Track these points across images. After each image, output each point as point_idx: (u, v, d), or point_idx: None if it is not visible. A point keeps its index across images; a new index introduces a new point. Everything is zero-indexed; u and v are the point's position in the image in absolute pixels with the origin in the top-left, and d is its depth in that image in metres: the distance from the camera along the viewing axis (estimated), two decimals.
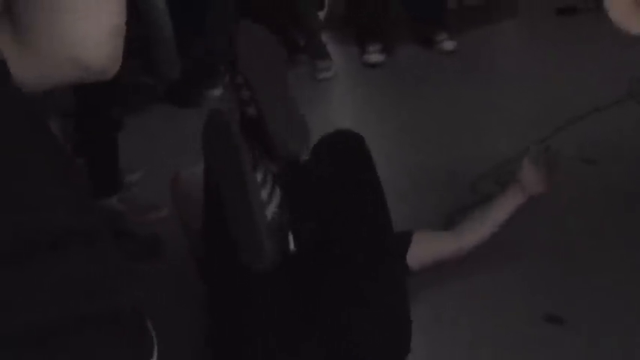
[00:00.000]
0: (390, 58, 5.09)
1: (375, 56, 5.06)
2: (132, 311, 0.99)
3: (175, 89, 4.74)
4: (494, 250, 2.99)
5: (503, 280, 3.01)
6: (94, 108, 3.40)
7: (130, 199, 3.60)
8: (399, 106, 4.53)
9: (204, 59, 4.86)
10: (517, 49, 5.37)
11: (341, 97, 4.87)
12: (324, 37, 5.13)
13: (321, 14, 5.44)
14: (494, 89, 4.61)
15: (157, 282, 2.95)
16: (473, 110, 4.34)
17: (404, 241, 2.80)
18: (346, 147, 2.64)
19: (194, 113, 4.50)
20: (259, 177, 2.30)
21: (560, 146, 3.66)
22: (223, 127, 2.31)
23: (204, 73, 4.85)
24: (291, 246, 2.37)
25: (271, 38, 2.60)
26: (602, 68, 4.48)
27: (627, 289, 2.87)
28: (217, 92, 4.81)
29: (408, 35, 5.24)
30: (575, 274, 2.99)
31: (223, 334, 2.49)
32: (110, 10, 0.94)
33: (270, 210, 2.29)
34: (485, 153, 3.79)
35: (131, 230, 3.38)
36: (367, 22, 5.15)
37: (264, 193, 2.29)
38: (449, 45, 5.12)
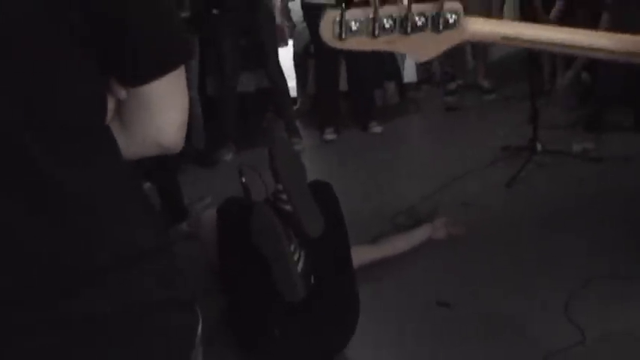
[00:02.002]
0: (339, 137, 5.06)
1: (330, 135, 5.04)
2: (189, 298, 0.98)
3: (200, 154, 4.68)
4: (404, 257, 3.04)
5: (409, 276, 3.00)
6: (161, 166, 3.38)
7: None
8: (344, 168, 4.53)
9: (221, 136, 4.84)
10: (420, 131, 5.38)
11: (307, 162, 4.83)
12: (297, 123, 5.10)
13: (295, 107, 5.45)
14: (407, 157, 4.62)
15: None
16: (392, 170, 4.33)
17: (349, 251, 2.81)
18: (323, 190, 2.65)
19: (211, 171, 4.54)
20: (292, 247, 2.32)
21: (446, 194, 3.76)
22: (268, 220, 2.29)
23: (220, 144, 4.82)
24: (312, 281, 2.37)
25: (295, 152, 2.53)
26: (475, 144, 4.49)
27: (503, 279, 2.88)
28: (228, 157, 4.79)
29: (351, 122, 5.22)
30: (460, 270, 3.00)
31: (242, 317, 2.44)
32: (181, 109, 0.95)
33: (300, 266, 2.32)
34: (399, 198, 3.78)
35: None
36: (325, 113, 5.15)
37: (295, 257, 2.31)
38: (377, 129, 5.10)
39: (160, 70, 0.90)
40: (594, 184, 3.70)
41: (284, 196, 2.41)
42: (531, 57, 4.31)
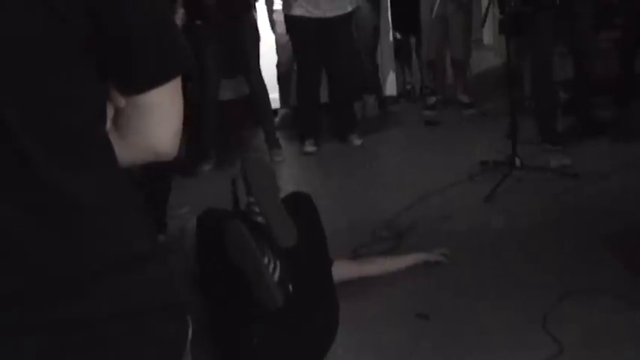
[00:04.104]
0: (319, 149, 5.08)
1: (310, 147, 5.05)
2: (181, 304, 0.99)
3: (182, 165, 4.59)
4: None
5: (388, 288, 3.02)
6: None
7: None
8: (324, 180, 4.55)
9: (201, 146, 4.83)
10: (400, 145, 5.37)
11: (287, 173, 4.84)
12: (278, 134, 5.10)
13: (276, 119, 5.44)
14: (386, 169, 4.64)
15: None
16: (371, 183, 4.34)
17: (330, 263, 2.82)
18: (303, 201, 2.69)
19: (190, 180, 4.54)
20: (266, 259, 2.35)
21: (425, 208, 3.79)
22: (241, 236, 2.33)
23: (200, 155, 4.82)
24: (290, 289, 2.40)
25: (267, 165, 2.59)
26: (454, 158, 4.52)
27: (481, 291, 2.91)
28: (208, 167, 4.77)
29: (331, 134, 5.25)
30: (439, 282, 3.03)
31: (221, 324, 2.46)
32: (175, 119, 0.97)
33: (276, 276, 2.34)
34: (379, 211, 3.81)
35: None
36: (305, 125, 5.16)
37: (270, 268, 2.34)
38: (357, 142, 5.11)
39: (160, 79, 0.92)
40: (571, 199, 3.76)
41: (256, 208, 2.46)
42: (511, 72, 4.37)
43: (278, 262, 2.37)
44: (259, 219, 2.45)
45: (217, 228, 2.43)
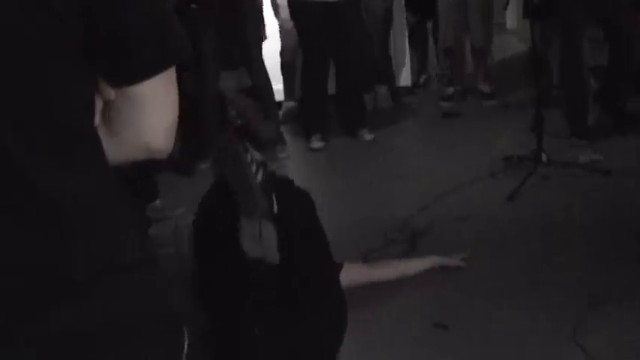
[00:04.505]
0: (327, 145, 5.09)
1: (317, 143, 5.06)
2: (175, 313, 0.99)
3: (177, 162, 4.60)
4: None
5: (404, 296, 3.03)
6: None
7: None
8: (332, 178, 4.55)
9: (198, 142, 4.86)
10: (414, 139, 5.41)
11: (292, 171, 4.81)
12: (282, 129, 5.12)
13: (280, 112, 5.45)
14: (400, 166, 4.63)
15: None
16: (384, 181, 4.35)
17: (337, 267, 2.86)
18: (299, 199, 2.75)
19: (187, 179, 4.54)
20: (249, 157, 2.48)
21: (442, 208, 3.78)
22: (227, 142, 2.54)
23: (197, 151, 4.83)
24: (275, 208, 2.49)
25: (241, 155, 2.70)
26: (474, 153, 4.53)
27: (504, 299, 2.91)
28: (205, 165, 4.76)
29: (340, 129, 5.25)
30: (458, 290, 3.04)
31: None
32: (169, 112, 0.98)
33: (259, 178, 2.46)
34: (392, 211, 3.82)
35: None
36: (311, 119, 5.17)
37: (253, 168, 2.48)
38: (368, 136, 5.12)
39: (153, 68, 0.93)
40: (602, 198, 3.76)
41: (234, 113, 2.61)
42: (537, 58, 4.35)
43: (261, 169, 2.51)
44: (240, 122, 2.61)
45: (218, 223, 2.53)
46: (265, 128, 4.86)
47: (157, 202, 4.06)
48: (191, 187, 4.35)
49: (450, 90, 5.65)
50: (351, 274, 2.87)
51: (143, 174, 3.47)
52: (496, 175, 4.15)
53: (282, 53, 5.54)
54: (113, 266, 0.91)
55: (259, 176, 2.49)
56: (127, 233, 0.95)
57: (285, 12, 5.19)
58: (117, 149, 0.97)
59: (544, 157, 4.09)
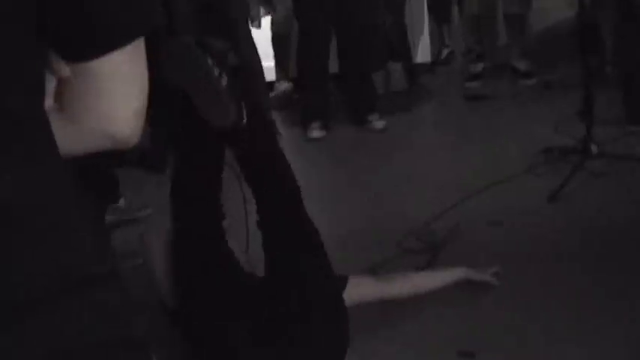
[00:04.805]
0: (329, 134, 5.11)
1: (316, 132, 5.08)
2: (141, 338, 0.99)
3: (145, 156, 4.61)
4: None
5: (424, 319, 3.02)
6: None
7: None
8: (334, 175, 4.56)
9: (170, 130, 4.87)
10: (435, 128, 5.44)
11: None
12: (274, 116, 5.10)
13: (271, 95, 5.46)
14: (417, 161, 4.64)
15: None
16: (397, 178, 4.36)
17: (340, 281, 2.87)
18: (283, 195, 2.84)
19: (158, 177, 4.54)
20: (210, 62, 2.58)
21: (469, 211, 3.79)
22: (184, 46, 2.62)
23: (170, 141, 4.85)
24: (244, 119, 2.62)
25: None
26: (507, 145, 4.55)
27: (542, 323, 2.91)
28: None
29: (344, 115, 5.26)
30: (486, 312, 3.04)
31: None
32: (139, 91, 0.98)
33: (223, 83, 2.57)
34: (407, 215, 3.82)
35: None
36: (310, 103, 5.18)
37: (215, 72, 2.58)
38: (379, 124, 5.14)
39: (117, 40, 0.93)
40: None
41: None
42: (586, 29, 4.34)
43: (224, 74, 2.62)
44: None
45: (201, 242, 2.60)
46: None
47: (121, 201, 4.07)
48: (160, 183, 4.38)
49: (479, 67, 5.66)
50: (358, 290, 2.87)
51: (104, 168, 3.47)
52: (534, 171, 4.16)
53: (273, 24, 5.54)
54: (64, 283, 0.90)
55: (223, 81, 2.57)
56: (83, 241, 0.95)
57: None
58: (72, 138, 0.97)
59: (594, 148, 4.09)
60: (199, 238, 2.71)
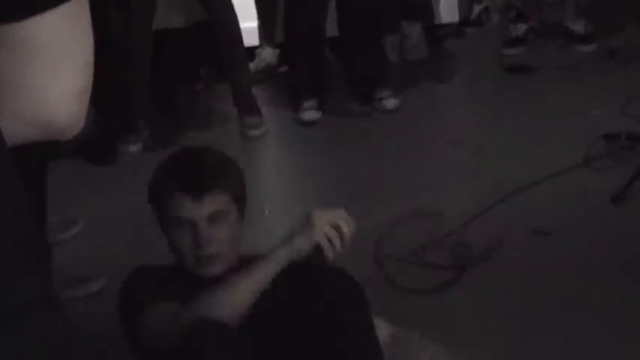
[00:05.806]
0: (325, 116, 5.10)
1: (310, 113, 5.06)
2: None
3: (90, 144, 4.65)
4: None
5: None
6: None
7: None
8: (333, 165, 4.59)
9: (122, 113, 4.89)
10: (462, 107, 5.48)
11: (272, 157, 4.94)
12: (256, 92, 5.10)
13: (251, 65, 5.47)
14: (439, 149, 4.67)
15: None
16: (413, 171, 4.38)
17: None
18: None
19: (104, 170, 4.59)
20: None
21: (507, 215, 3.79)
22: None
23: (121, 127, 4.87)
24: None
25: None
26: (557, 129, 4.56)
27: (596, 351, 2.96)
28: (135, 149, 4.84)
29: (345, 92, 5.29)
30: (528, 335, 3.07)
31: None
32: (83, 66, 0.99)
33: None
34: (427, 219, 3.85)
35: None
36: (301, 77, 5.16)
37: None
38: (390, 102, 5.11)
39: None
40: None
41: None
42: None
43: None
44: None
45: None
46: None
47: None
48: (112, 182, 4.38)
49: (521, 29, 5.66)
50: None
51: (39, 165, 3.46)
52: (593, 163, 4.17)
53: None
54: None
55: None
56: (17, 265, 0.96)
57: None
58: None
59: None
60: None
